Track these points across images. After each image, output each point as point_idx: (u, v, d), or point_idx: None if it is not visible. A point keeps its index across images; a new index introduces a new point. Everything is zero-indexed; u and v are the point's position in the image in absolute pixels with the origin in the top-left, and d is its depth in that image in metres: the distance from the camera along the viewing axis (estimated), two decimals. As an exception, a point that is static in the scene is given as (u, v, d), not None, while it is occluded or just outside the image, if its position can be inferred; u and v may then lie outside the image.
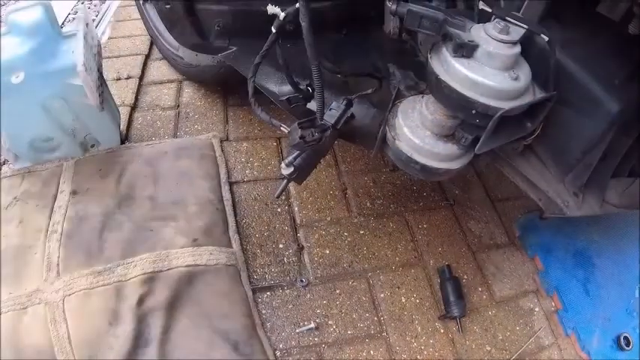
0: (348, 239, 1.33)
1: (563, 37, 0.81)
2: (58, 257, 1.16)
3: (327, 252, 1.30)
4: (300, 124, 0.89)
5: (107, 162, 1.36)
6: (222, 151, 1.42)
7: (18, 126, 1.28)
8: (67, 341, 1.03)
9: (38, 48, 1.12)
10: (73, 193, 1.29)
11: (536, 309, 1.32)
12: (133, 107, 1.57)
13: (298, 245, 1.30)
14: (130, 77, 1.65)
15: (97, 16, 2.03)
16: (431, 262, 1.34)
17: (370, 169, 1.48)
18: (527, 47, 0.77)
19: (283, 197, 1.36)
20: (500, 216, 1.50)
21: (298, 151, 0.91)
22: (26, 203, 1.29)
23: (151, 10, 1.68)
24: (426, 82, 0.86)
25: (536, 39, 0.78)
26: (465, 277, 1.33)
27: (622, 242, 1.22)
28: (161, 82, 1.66)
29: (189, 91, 1.62)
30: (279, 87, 1.03)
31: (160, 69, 1.72)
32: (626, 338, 1.12)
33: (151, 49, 1.80)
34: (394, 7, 0.76)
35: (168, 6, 1.13)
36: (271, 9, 0.87)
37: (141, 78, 1.68)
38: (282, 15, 0.86)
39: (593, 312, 1.24)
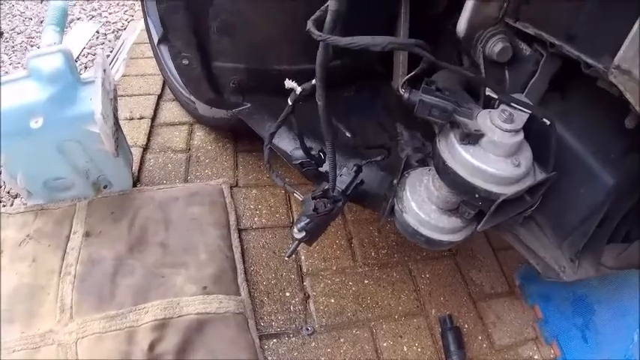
0: (353, 289, 1.36)
1: (563, 110, 0.85)
2: (71, 300, 1.19)
3: (332, 301, 1.33)
4: (313, 196, 0.93)
5: (120, 205, 1.40)
6: (232, 197, 1.46)
7: (33, 166, 1.32)
8: (79, 383, 1.06)
9: (58, 94, 1.15)
10: (86, 235, 1.32)
11: (536, 357, 1.35)
12: (145, 148, 1.61)
13: (304, 294, 1.33)
14: (142, 118, 1.69)
15: (111, 52, 2.08)
16: (433, 311, 1.37)
17: (375, 219, 1.51)
18: (529, 125, 0.81)
19: (290, 244, 1.40)
20: (501, 265, 1.53)
21: (308, 218, 0.95)
22: (39, 242, 1.33)
23: (165, 52, 1.73)
24: (432, 162, 0.90)
25: (538, 119, 0.82)
26: (466, 325, 1.37)
27: (621, 288, 1.25)
28: (173, 124, 1.71)
29: (200, 135, 1.66)
30: (293, 150, 1.07)
31: (171, 110, 1.76)
32: (624, 383, 1.15)
33: (163, 89, 1.85)
34: (407, 95, 0.80)
35: (185, 62, 1.17)
36: (288, 84, 0.91)
37: (153, 119, 1.72)
38: (298, 90, 0.90)
39: (592, 359, 1.26)
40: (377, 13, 1.07)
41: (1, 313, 1.17)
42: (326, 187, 0.97)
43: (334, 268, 1.39)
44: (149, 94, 1.81)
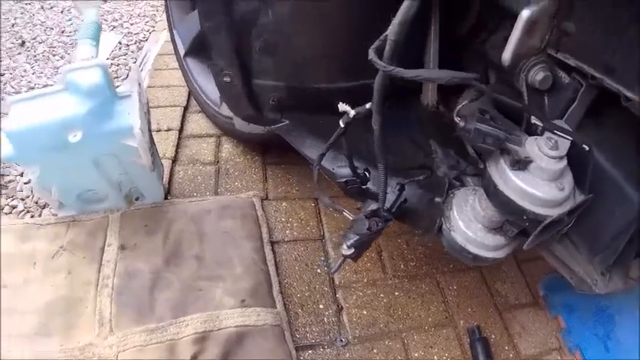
0: (384, 300, 1.39)
1: (597, 135, 0.89)
2: (110, 313, 1.21)
3: (365, 313, 1.35)
4: (366, 215, 0.96)
5: (153, 218, 1.41)
6: (263, 210, 1.48)
7: (69, 179, 1.33)
8: (122, 395, 1.08)
9: (96, 109, 1.16)
10: (121, 247, 1.34)
11: (560, 366, 1.38)
12: (174, 160, 1.63)
13: (337, 306, 1.35)
14: (169, 129, 1.71)
15: (134, 62, 2.10)
16: (461, 322, 1.40)
17: (403, 231, 1.54)
18: (569, 150, 0.85)
19: (322, 258, 1.42)
20: (525, 276, 1.56)
21: (359, 235, 0.97)
22: (73, 254, 1.34)
23: (192, 64, 1.75)
24: (481, 184, 0.94)
25: (576, 145, 0.86)
26: (493, 336, 1.39)
27: (641, 299, 1.28)
28: (200, 136, 1.72)
29: (227, 147, 1.68)
30: (337, 168, 1.09)
31: (198, 122, 1.78)
32: (645, 392, 1.19)
33: (188, 101, 1.86)
34: (462, 124, 0.84)
35: (227, 79, 1.19)
36: (342, 107, 0.93)
37: (180, 130, 1.74)
38: (352, 113, 0.92)
39: (614, 368, 1.29)
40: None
41: (37, 326, 1.19)
42: (374, 206, 1.00)
43: (365, 280, 1.42)
44: (175, 106, 1.82)
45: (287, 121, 1.24)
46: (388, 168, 0.95)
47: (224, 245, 1.36)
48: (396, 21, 0.81)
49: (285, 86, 1.20)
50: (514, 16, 0.83)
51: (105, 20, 2.53)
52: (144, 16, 2.60)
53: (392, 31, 0.81)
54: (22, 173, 1.68)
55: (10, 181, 1.65)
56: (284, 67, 1.18)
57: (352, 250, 0.98)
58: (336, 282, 1.40)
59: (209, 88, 1.69)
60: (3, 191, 1.63)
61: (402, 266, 1.47)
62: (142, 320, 1.19)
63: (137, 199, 1.45)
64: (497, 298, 1.49)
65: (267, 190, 1.55)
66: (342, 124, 0.96)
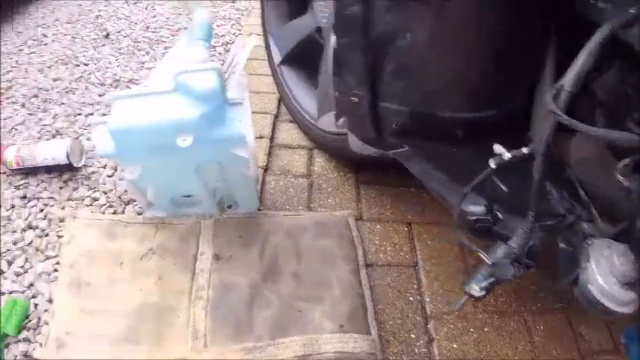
0: (474, 335, 1.36)
1: None
2: (205, 327, 1.19)
3: (455, 346, 1.32)
4: (510, 261, 0.93)
5: (247, 229, 1.39)
6: (358, 230, 1.46)
7: (166, 182, 1.32)
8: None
9: (208, 114, 1.12)
10: (216, 257, 1.32)
11: (637, 414, 1.35)
12: (266, 169, 1.61)
13: (429, 337, 1.32)
14: (261, 137, 1.69)
15: (222, 65, 2.08)
16: (546, 364, 1.37)
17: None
18: None
19: (415, 287, 1.40)
20: (608, 323, 1.53)
21: (496, 279, 0.95)
22: (163, 258, 1.32)
23: (287, 73, 1.73)
24: (625, 239, 0.93)
25: None
26: (575, 381, 1.36)
27: None
28: (291, 147, 1.70)
29: (320, 161, 1.65)
30: (469, 205, 1.06)
31: (289, 132, 1.75)
32: None
33: (279, 108, 1.84)
34: (626, 183, 0.82)
35: (354, 100, 1.17)
36: (498, 148, 0.91)
37: (271, 139, 1.72)
38: (507, 156, 0.90)
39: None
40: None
41: (126, 330, 1.18)
42: (510, 250, 0.97)
43: (456, 313, 1.39)
44: (265, 113, 1.80)
45: (406, 148, 1.21)
46: (512, 208, 0.93)
47: (322, 265, 1.34)
48: (573, 72, 0.79)
49: (411, 112, 1.18)
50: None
51: (190, 20, 2.51)
52: (229, 18, 2.59)
53: (569, 82, 0.79)
54: (105, 165, 1.67)
55: (92, 173, 1.64)
56: (413, 93, 1.15)
57: (484, 293, 0.96)
58: (428, 312, 1.37)
59: (305, 99, 1.67)
60: (85, 182, 1.62)
61: (491, 301, 1.44)
62: (240, 338, 1.17)
63: (229, 206, 1.43)
64: (580, 343, 1.45)
65: (361, 210, 1.52)
66: (492, 165, 0.94)
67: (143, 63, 2.22)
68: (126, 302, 1.24)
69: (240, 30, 2.45)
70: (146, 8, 2.67)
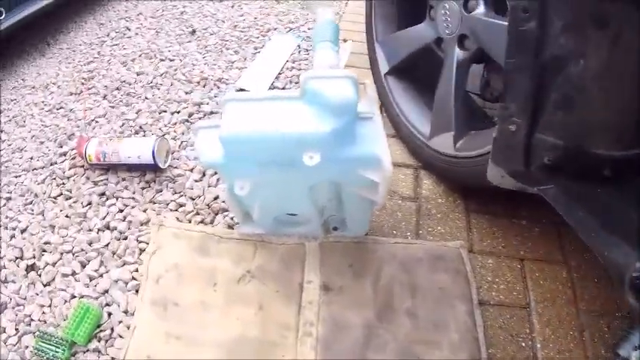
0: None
1: None
2: (315, 370, 1.06)
3: (568, 399, 1.19)
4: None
5: (358, 256, 1.25)
6: (470, 265, 1.32)
7: (274, 200, 1.17)
8: None
9: (341, 129, 0.94)
10: (325, 288, 1.18)
11: None
12: (368, 187, 1.47)
13: (540, 388, 1.20)
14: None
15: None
16: None
17: (605, 312, 1.37)
18: None
19: (527, 331, 1.26)
20: None
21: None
22: (263, 284, 1.19)
23: (393, 85, 1.59)
24: None
25: None
26: None
27: None
28: (397, 165, 1.55)
29: (427, 183, 1.51)
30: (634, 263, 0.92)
31: (391, 147, 1.58)
32: None
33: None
34: None
35: (512, 128, 1.03)
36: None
37: (373, 153, 1.57)
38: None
39: None
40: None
41: None
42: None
43: (568, 360, 1.26)
44: (363, 124, 1.66)
45: (552, 185, 1.07)
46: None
47: (438, 304, 1.19)
48: None
49: (565, 146, 1.04)
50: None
51: (280, 21, 2.39)
52: (320, 22, 2.42)
53: None
54: (193, 169, 1.54)
55: (178, 176, 1.51)
56: (573, 125, 1.01)
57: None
58: (539, 358, 1.24)
59: (414, 115, 1.52)
60: (169, 185, 1.49)
61: (602, 351, 1.30)
62: (355, 385, 1.03)
63: (335, 228, 1.29)
64: None
65: (472, 242, 1.37)
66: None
67: (232, 62, 2.08)
68: (220, 332, 1.11)
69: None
70: (232, 7, 2.56)
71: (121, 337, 1.16)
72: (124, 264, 1.30)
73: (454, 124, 1.33)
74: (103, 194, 1.48)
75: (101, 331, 1.17)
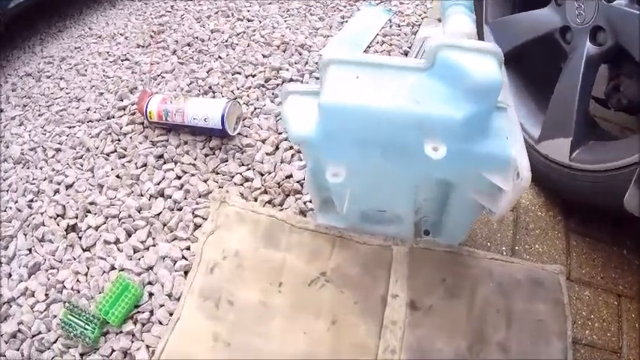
0: None
1: None
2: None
3: None
4: None
5: (451, 270, 1.07)
6: (568, 296, 1.15)
7: (368, 192, 0.99)
8: None
9: (476, 118, 0.74)
10: (412, 306, 1.01)
11: None
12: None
13: None
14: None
15: (409, 48, 1.74)
16: None
17: None
18: None
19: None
20: None
21: None
22: (340, 292, 1.02)
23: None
24: None
25: None
26: None
27: None
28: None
29: (528, 192, 1.31)
30: None
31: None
32: None
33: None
34: None
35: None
36: None
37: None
38: None
39: None
40: None
41: None
42: None
43: None
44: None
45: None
46: None
47: (534, 339, 1.03)
48: None
49: None
50: None
51: None
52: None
53: None
54: (265, 140, 1.36)
55: (247, 146, 1.34)
56: None
57: None
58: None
59: (521, 111, 1.32)
60: (237, 155, 1.32)
61: None
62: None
63: (427, 232, 1.12)
64: None
65: (570, 267, 1.20)
66: None
67: (317, 29, 1.89)
68: (281, 345, 0.95)
69: (425, 12, 2.03)
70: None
71: (161, 323, 1.02)
72: (175, 239, 1.15)
73: (574, 129, 1.14)
74: (160, 157, 1.32)
75: (139, 312, 1.03)
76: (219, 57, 1.69)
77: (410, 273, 1.06)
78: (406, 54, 1.71)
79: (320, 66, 0.80)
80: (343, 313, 1.00)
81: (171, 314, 1.02)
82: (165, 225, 1.18)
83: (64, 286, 1.10)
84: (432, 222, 1.10)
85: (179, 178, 1.27)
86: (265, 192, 1.23)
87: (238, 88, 1.53)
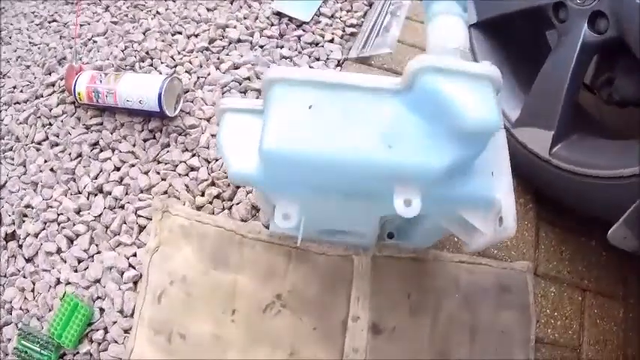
0: None
1: None
2: None
3: None
4: None
5: (417, 282, 1.00)
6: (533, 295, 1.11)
7: (325, 219, 0.91)
8: None
9: (461, 163, 0.64)
10: (374, 329, 0.95)
11: None
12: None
13: None
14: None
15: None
16: None
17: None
18: None
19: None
20: None
21: None
22: (297, 317, 0.95)
23: (477, 40, 1.24)
24: None
25: None
26: None
27: None
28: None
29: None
30: None
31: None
32: None
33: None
34: None
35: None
36: None
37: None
38: None
39: None
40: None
41: None
42: None
43: None
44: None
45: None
46: None
47: (496, 352, 1.01)
48: None
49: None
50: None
51: None
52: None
53: None
54: (210, 118, 1.21)
55: (191, 127, 1.19)
56: None
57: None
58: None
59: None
60: (180, 139, 1.17)
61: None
62: None
63: (390, 235, 1.03)
64: None
65: (538, 262, 1.14)
66: None
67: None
68: None
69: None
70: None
71: (116, 342, 0.95)
72: (119, 244, 1.05)
73: (557, 123, 1.03)
74: (96, 144, 1.18)
75: (93, 330, 0.97)
76: (158, 12, 1.46)
77: (373, 288, 0.99)
78: (371, 5, 1.49)
79: (262, 86, 0.65)
80: (302, 342, 0.93)
81: (125, 331, 0.95)
82: (107, 228, 1.06)
83: (13, 307, 1.01)
84: (397, 225, 1.02)
85: (118, 169, 1.13)
86: (213, 184, 1.11)
87: (179, 52, 1.33)
